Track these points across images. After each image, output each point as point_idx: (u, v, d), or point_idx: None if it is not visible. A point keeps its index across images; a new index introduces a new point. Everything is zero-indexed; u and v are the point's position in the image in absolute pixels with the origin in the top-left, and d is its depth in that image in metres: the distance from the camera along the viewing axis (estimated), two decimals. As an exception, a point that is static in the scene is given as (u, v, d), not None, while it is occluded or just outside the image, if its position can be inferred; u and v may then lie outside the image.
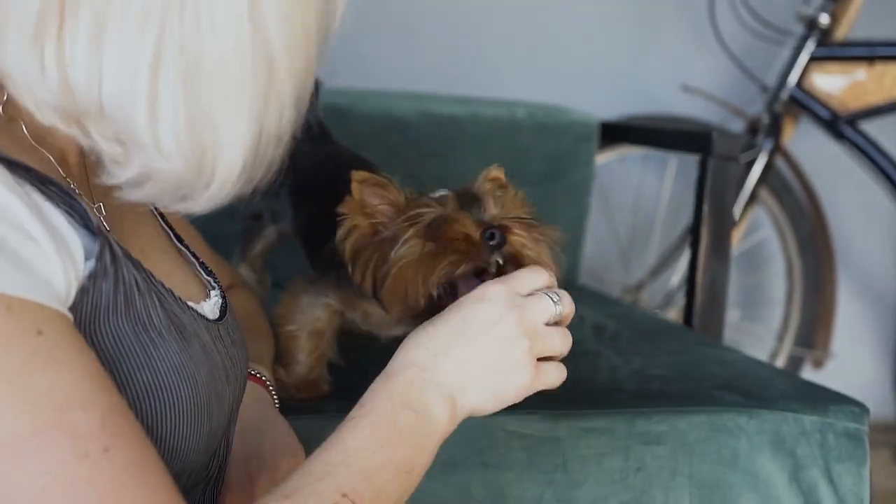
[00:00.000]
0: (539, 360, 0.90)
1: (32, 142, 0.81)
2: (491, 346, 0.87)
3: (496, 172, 1.19)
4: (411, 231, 1.08)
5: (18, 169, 0.73)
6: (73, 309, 0.72)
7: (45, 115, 0.75)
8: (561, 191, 2.20)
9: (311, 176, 1.42)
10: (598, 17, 2.66)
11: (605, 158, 2.56)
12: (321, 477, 0.78)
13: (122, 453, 0.68)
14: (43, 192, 0.74)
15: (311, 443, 1.05)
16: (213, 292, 1.00)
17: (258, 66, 0.74)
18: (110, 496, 0.67)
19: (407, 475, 0.83)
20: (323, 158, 1.47)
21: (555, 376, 0.92)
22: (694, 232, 1.88)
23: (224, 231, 1.42)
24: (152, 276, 0.83)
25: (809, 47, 2.55)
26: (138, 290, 0.79)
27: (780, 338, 2.81)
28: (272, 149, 0.79)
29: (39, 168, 0.77)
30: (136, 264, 0.81)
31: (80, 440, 0.66)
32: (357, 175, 1.12)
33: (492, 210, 1.11)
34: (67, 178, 0.84)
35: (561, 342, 0.92)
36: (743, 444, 1.36)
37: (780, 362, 2.79)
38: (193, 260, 1.04)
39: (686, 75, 2.71)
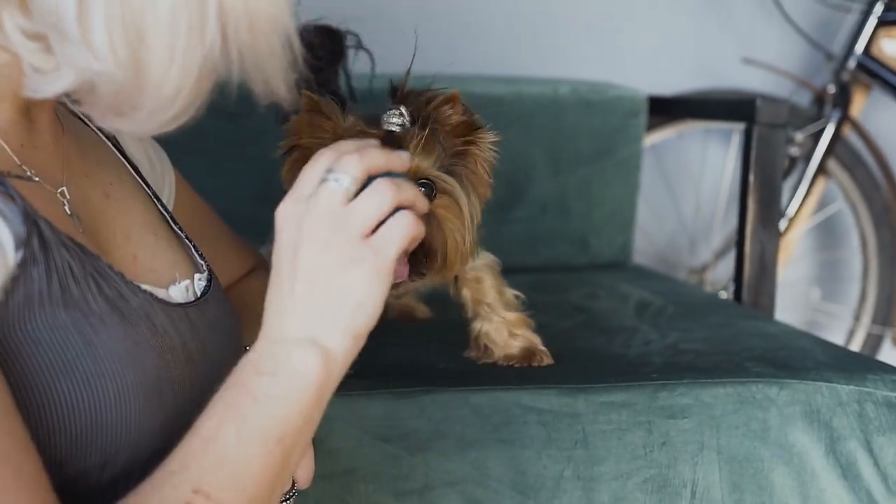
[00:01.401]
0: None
1: None
2: (312, 270, 0.78)
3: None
4: None
5: None
6: (3, 300, 0.72)
7: None
8: (610, 168, 2.15)
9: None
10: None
11: (664, 135, 2.50)
12: (176, 471, 0.74)
13: None
14: None
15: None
16: (197, 275, 0.99)
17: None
18: None
19: (278, 444, 0.76)
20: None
21: (395, 234, 0.79)
22: (741, 203, 1.81)
23: (244, 213, 1.43)
24: (98, 259, 0.82)
25: (877, 11, 2.45)
26: (73, 276, 0.78)
27: (858, 316, 2.70)
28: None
29: None
30: (76, 249, 0.80)
31: None
32: (307, 92, 1.13)
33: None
34: (22, 165, 0.85)
35: (373, 203, 0.78)
36: (773, 416, 1.30)
37: (858, 341, 2.68)
38: (188, 243, 1.04)
39: (751, 48, 2.63)
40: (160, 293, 0.90)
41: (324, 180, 0.79)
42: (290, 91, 0.83)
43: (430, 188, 1.12)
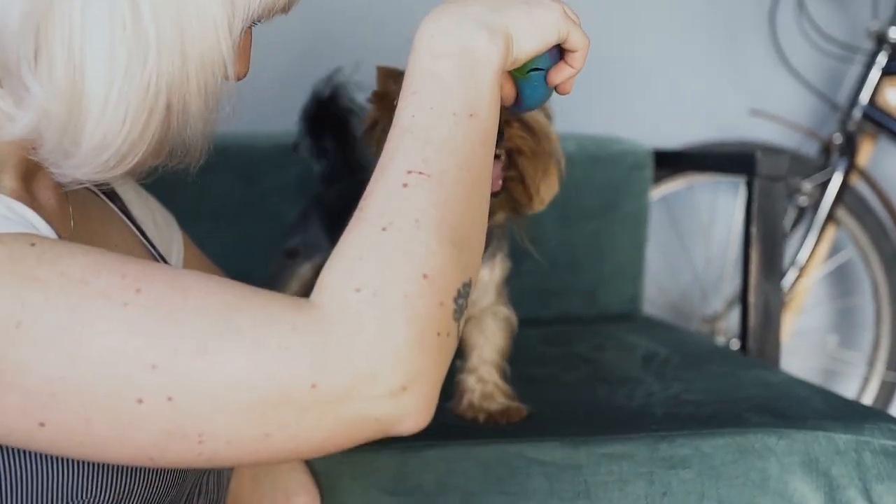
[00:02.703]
0: None
1: None
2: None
3: None
4: None
5: None
6: None
7: None
8: (617, 222, 2.19)
9: (343, 205, 1.47)
10: (670, 47, 2.64)
11: (674, 187, 2.54)
12: (386, 165, 0.77)
13: (154, 285, 0.70)
14: None
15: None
16: None
17: (132, 53, 0.77)
18: (166, 320, 0.69)
19: (472, 118, 0.79)
20: (354, 186, 1.52)
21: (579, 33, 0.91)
22: (744, 255, 1.84)
23: (253, 273, 1.47)
24: None
25: (881, 63, 2.49)
26: None
27: (871, 362, 2.71)
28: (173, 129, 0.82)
29: None
30: None
31: (110, 297, 0.69)
32: (382, 68, 1.17)
33: None
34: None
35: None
36: (773, 466, 1.32)
37: (873, 388, 2.69)
38: None
39: (759, 99, 2.67)
40: None
41: None
42: (202, 154, 0.89)
43: (500, 136, 1.16)
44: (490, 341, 1.40)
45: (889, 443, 1.34)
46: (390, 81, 1.20)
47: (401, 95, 0.81)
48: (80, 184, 0.86)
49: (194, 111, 0.83)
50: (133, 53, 0.78)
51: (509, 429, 1.35)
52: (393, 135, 0.79)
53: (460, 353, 1.40)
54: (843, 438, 1.34)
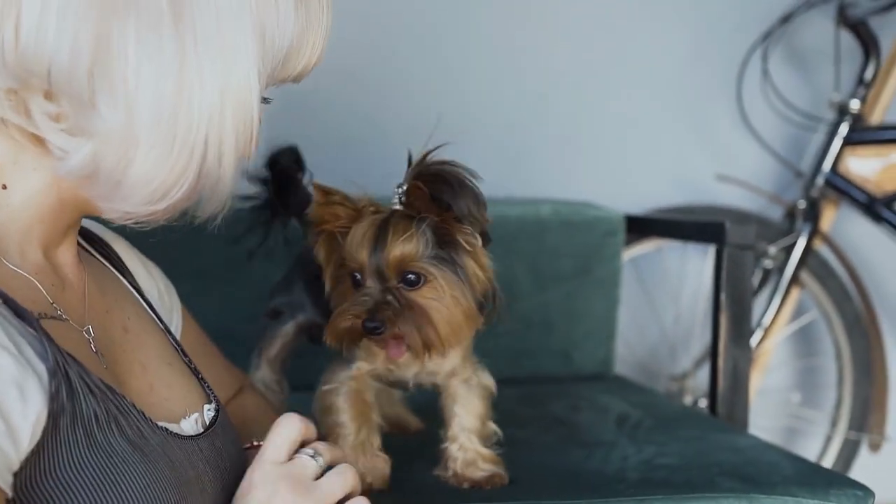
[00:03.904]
0: None
1: (16, 269, 0.91)
2: None
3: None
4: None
5: (4, 301, 0.82)
6: (34, 452, 0.79)
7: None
8: (590, 285, 2.25)
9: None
10: (640, 114, 2.72)
11: (644, 249, 2.61)
12: None
13: None
14: (19, 330, 0.82)
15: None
16: (207, 406, 1.08)
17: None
18: None
19: None
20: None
21: None
22: (714, 320, 1.91)
23: (236, 332, 1.52)
24: (123, 399, 0.90)
25: (842, 132, 2.59)
26: (97, 422, 0.85)
27: (834, 422, 2.79)
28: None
29: (22, 295, 0.86)
30: (104, 392, 0.88)
31: None
32: (316, 183, 1.24)
33: (393, 252, 1.18)
34: (54, 304, 0.94)
35: (340, 482, 0.96)
36: (743, 531, 1.38)
37: (835, 446, 2.76)
38: (197, 375, 1.13)
39: (726, 165, 2.76)
40: (174, 428, 0.97)
41: (301, 455, 0.96)
42: (225, 204, 0.95)
43: (417, 277, 1.20)
44: (467, 409, 1.42)
45: (853, 508, 1.41)
46: (326, 197, 1.26)
47: None
48: (129, 218, 0.91)
49: (227, 150, 0.88)
50: (179, 87, 0.84)
51: (493, 493, 1.39)
52: None
53: (441, 423, 1.44)
54: (809, 503, 1.39)
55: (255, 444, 1.19)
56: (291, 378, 1.65)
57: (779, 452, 1.62)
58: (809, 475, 1.49)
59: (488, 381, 1.44)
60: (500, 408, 1.94)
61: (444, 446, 1.43)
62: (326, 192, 1.25)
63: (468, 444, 1.42)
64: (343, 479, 0.96)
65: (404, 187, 1.23)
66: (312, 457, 0.96)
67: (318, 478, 0.96)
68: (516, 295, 2.21)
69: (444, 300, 1.21)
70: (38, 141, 0.88)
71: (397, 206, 1.22)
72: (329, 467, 0.99)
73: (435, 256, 1.21)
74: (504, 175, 2.58)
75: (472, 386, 1.42)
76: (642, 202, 2.65)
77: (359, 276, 1.21)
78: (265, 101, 0.99)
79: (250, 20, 0.87)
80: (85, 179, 0.88)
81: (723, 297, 1.88)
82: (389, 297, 1.18)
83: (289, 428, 0.98)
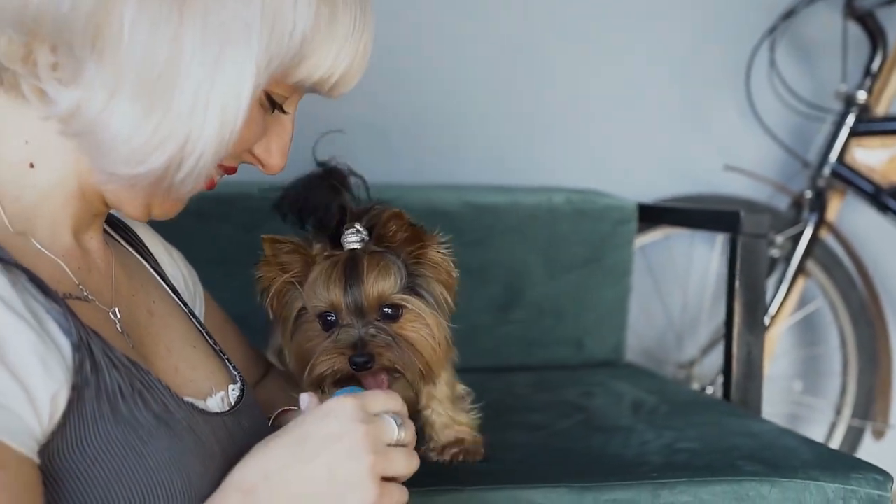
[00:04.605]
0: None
1: (43, 250, 0.92)
2: (331, 463, 0.86)
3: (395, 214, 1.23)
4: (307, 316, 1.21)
5: (30, 279, 0.83)
6: (60, 425, 0.80)
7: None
8: (601, 273, 2.27)
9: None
10: (649, 104, 2.74)
11: (652, 238, 2.63)
12: None
13: None
14: (45, 306, 0.83)
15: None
16: (232, 386, 1.09)
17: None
18: None
19: None
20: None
21: (397, 497, 0.90)
22: (728, 307, 1.93)
23: (253, 319, 1.53)
24: (148, 374, 0.91)
25: (849, 123, 2.61)
26: (121, 395, 0.86)
27: (839, 410, 2.81)
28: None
29: (48, 275, 0.87)
30: (128, 366, 0.89)
31: None
32: (266, 237, 1.23)
33: (373, 289, 1.19)
34: (80, 286, 0.95)
35: (406, 463, 0.91)
36: (766, 513, 1.40)
37: (840, 434, 2.79)
38: (221, 355, 1.14)
39: (733, 156, 2.78)
40: (200, 404, 0.99)
41: (388, 416, 0.91)
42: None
43: (396, 309, 1.21)
44: (446, 382, 1.43)
45: (874, 492, 1.43)
46: (277, 248, 1.26)
47: None
48: (121, 180, 0.91)
49: (210, 128, 0.88)
50: (171, 55, 0.84)
51: (521, 476, 1.41)
52: None
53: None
54: (831, 487, 1.42)
55: (285, 410, 1.20)
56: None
57: (796, 437, 1.64)
58: (829, 460, 1.51)
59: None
60: (514, 394, 1.98)
61: (418, 415, 1.44)
62: (276, 241, 1.24)
63: (440, 409, 1.44)
64: (409, 462, 0.92)
65: (361, 227, 1.23)
66: (399, 425, 0.92)
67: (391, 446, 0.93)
68: (528, 283, 2.23)
69: (425, 328, 1.22)
70: (42, 98, 0.89)
71: (356, 246, 1.22)
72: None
73: (408, 287, 1.22)
74: (512, 163, 2.60)
75: None
76: (648, 192, 2.67)
77: (332, 317, 1.21)
78: (283, 111, 1.00)
79: (261, 4, 0.87)
80: (70, 129, 0.88)
81: (737, 284, 1.90)
82: (373, 331, 1.19)
83: (393, 396, 0.96)
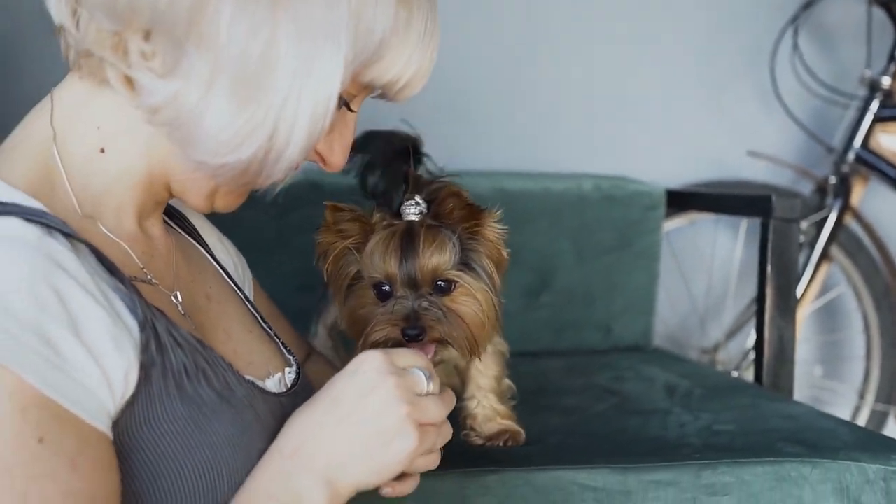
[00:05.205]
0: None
1: (109, 234, 0.94)
2: (368, 417, 0.88)
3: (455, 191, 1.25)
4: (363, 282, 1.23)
5: (98, 258, 0.85)
6: (129, 404, 0.82)
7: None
8: (630, 258, 2.29)
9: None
10: (666, 91, 2.76)
11: (677, 223, 2.65)
12: None
13: None
14: (112, 286, 0.85)
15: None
16: (288, 369, 1.11)
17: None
18: None
19: None
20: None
21: (433, 439, 0.92)
22: (759, 292, 1.94)
23: (287, 303, 1.54)
24: (211, 351, 0.93)
25: (873, 109, 2.62)
26: (186, 373, 0.88)
27: (862, 394, 2.83)
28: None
29: (114, 258, 0.89)
30: (193, 344, 0.91)
31: None
32: (329, 203, 1.24)
33: (428, 262, 1.20)
34: (144, 269, 0.97)
35: (438, 409, 0.92)
36: (807, 494, 1.42)
37: (863, 418, 2.80)
38: (276, 339, 1.16)
39: (756, 141, 2.79)
40: (259, 383, 1.01)
41: (415, 369, 0.93)
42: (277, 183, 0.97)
43: (448, 283, 1.23)
44: (482, 371, 1.46)
45: (914, 472, 1.45)
46: (336, 214, 1.27)
47: None
48: (208, 168, 0.93)
49: (301, 121, 0.90)
50: (266, 51, 0.86)
51: (566, 457, 1.43)
52: None
53: (460, 385, 1.48)
54: (872, 468, 1.43)
55: None
56: (348, 345, 1.69)
57: (833, 420, 1.65)
58: (869, 441, 1.52)
59: (502, 345, 1.48)
60: (545, 378, 1.99)
61: (462, 404, 1.46)
62: (338, 209, 1.26)
63: (485, 402, 1.46)
64: (442, 407, 0.94)
65: (420, 200, 1.25)
66: (427, 378, 0.94)
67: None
68: (558, 268, 2.25)
69: (476, 303, 1.24)
70: (131, 86, 0.91)
71: (414, 217, 1.24)
72: None
73: (461, 262, 1.24)
74: (541, 150, 2.61)
75: (488, 352, 1.46)
76: (671, 177, 2.68)
77: (387, 288, 1.23)
78: (350, 109, 1.02)
79: (347, 2, 0.89)
80: (159, 118, 0.90)
81: (769, 269, 1.91)
82: (426, 304, 1.21)
83: (419, 353, 0.99)
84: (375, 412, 0.88)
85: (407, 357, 0.95)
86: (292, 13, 0.86)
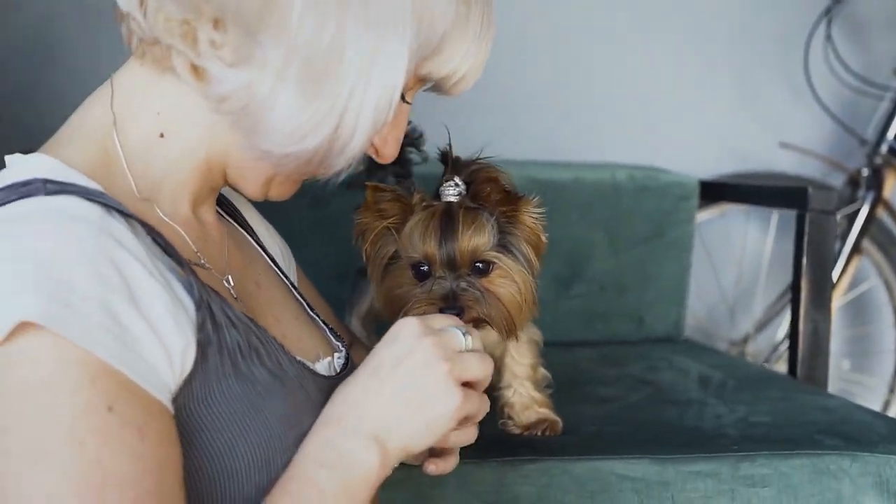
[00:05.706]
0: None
1: (165, 218, 0.95)
2: (410, 378, 0.88)
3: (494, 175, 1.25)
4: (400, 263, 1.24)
5: (154, 239, 0.86)
6: (186, 381, 0.83)
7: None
8: (663, 249, 2.29)
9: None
10: (697, 82, 2.75)
11: (708, 215, 2.64)
12: None
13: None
14: (168, 266, 0.86)
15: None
16: (336, 354, 1.12)
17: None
18: None
19: None
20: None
21: (477, 403, 0.92)
22: (794, 284, 1.94)
23: (323, 292, 1.55)
24: (264, 331, 0.94)
25: (907, 100, 2.61)
26: (240, 352, 0.89)
27: (892, 388, 2.82)
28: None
29: (171, 242, 0.90)
30: (246, 323, 0.92)
31: None
32: (370, 184, 1.26)
33: (467, 244, 1.21)
34: (198, 253, 0.98)
35: (479, 365, 0.92)
36: (846, 486, 1.42)
37: (893, 412, 2.79)
38: (323, 325, 1.17)
39: (787, 133, 2.78)
40: (309, 365, 1.02)
41: (452, 328, 0.93)
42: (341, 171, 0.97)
43: (487, 265, 1.23)
44: (517, 360, 1.47)
45: (953, 466, 1.44)
46: (377, 195, 1.28)
47: (275, 493, 0.86)
48: (272, 158, 0.94)
49: (365, 112, 0.90)
50: (334, 43, 0.87)
51: (605, 447, 1.43)
52: None
53: (496, 375, 1.47)
54: (911, 461, 1.44)
55: None
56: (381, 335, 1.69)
57: (869, 413, 1.65)
58: (907, 434, 1.52)
59: (535, 333, 1.49)
60: (579, 368, 1.99)
61: (498, 394, 1.47)
62: (378, 189, 1.27)
63: (522, 390, 1.46)
64: (483, 363, 0.93)
65: (459, 181, 1.25)
66: (464, 334, 0.93)
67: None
68: (591, 258, 2.25)
69: (513, 285, 1.25)
70: (198, 75, 0.91)
71: (452, 199, 1.24)
72: None
73: (499, 244, 1.24)
74: (574, 140, 2.61)
75: (522, 341, 1.46)
76: (704, 169, 2.67)
77: (425, 268, 1.24)
78: (404, 100, 1.02)
79: None
80: (227, 107, 0.91)
81: (804, 261, 1.91)
82: (464, 285, 1.21)
83: (452, 317, 1.00)
84: (416, 373, 0.88)
85: (442, 319, 0.96)
86: (359, 4, 0.87)
